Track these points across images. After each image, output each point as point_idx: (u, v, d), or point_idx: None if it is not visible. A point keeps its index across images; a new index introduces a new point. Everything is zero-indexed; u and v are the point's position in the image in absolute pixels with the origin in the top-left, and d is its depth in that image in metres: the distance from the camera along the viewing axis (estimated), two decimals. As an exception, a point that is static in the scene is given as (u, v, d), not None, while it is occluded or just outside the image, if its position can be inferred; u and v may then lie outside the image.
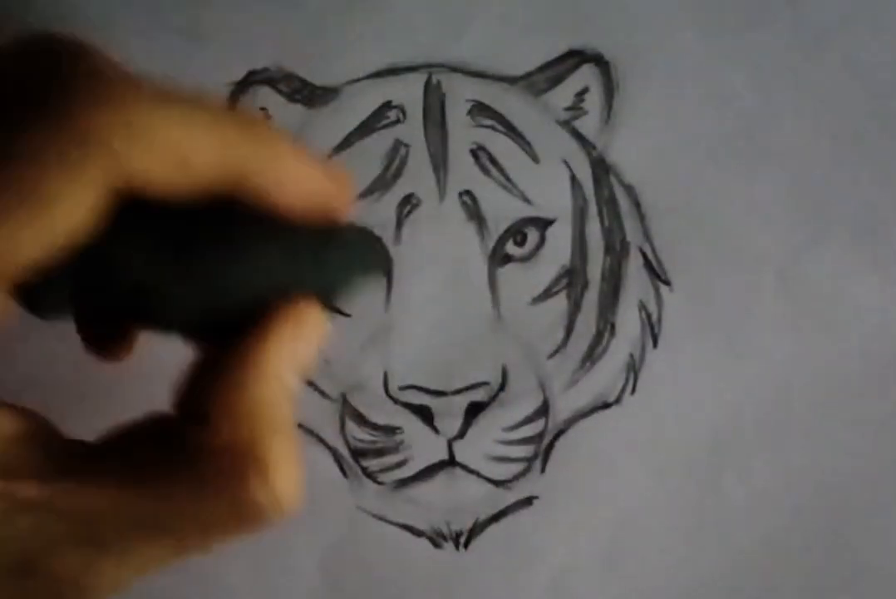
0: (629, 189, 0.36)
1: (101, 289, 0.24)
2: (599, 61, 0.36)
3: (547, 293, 0.35)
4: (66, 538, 0.23)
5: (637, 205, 0.35)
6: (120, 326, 0.29)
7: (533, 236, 0.35)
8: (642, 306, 0.35)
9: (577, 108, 0.36)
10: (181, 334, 0.26)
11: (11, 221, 0.21)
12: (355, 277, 0.26)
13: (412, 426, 0.34)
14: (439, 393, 0.34)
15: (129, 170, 0.22)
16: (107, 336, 0.29)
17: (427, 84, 0.35)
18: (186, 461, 0.24)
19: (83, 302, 0.24)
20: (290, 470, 0.24)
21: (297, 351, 0.25)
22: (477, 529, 0.35)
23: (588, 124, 0.36)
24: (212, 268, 0.24)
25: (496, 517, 0.35)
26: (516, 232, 0.35)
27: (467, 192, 0.35)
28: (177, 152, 0.23)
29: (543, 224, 0.35)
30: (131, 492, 0.23)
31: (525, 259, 0.35)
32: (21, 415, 0.24)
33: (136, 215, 0.23)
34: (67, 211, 0.22)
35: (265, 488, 0.24)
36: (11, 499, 0.22)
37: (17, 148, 0.22)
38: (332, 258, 0.26)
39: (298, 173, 0.25)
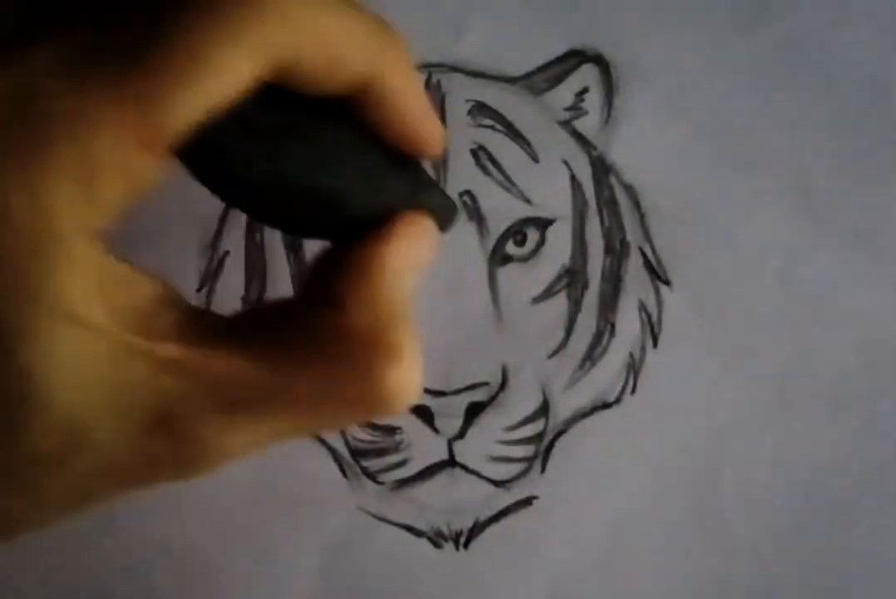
0: (629, 189, 0.35)
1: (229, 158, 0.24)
2: (599, 61, 0.36)
3: (547, 293, 0.35)
4: (201, 401, 0.24)
5: (637, 205, 0.35)
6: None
7: (533, 235, 0.35)
8: (642, 306, 0.35)
9: (577, 108, 0.36)
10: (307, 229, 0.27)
11: (177, 79, 0.22)
12: (449, 215, 0.28)
13: (412, 426, 0.34)
14: (439, 393, 0.34)
15: (285, 52, 0.23)
16: None
17: (427, 84, 0.35)
18: (318, 340, 0.25)
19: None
20: (417, 361, 0.25)
21: (418, 254, 0.27)
22: (477, 529, 0.35)
23: (588, 124, 0.36)
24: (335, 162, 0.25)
25: (496, 518, 0.35)
26: (516, 232, 0.35)
27: (467, 192, 0.35)
28: (334, 44, 0.24)
29: (543, 224, 0.35)
30: (265, 364, 0.24)
31: (525, 259, 0.35)
32: (157, 280, 0.25)
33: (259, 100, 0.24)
34: (228, 77, 0.23)
35: (397, 373, 0.24)
36: (153, 358, 0.23)
37: (191, 11, 0.23)
38: (435, 191, 0.28)
39: (421, 101, 0.26)
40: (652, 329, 0.35)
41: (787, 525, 0.35)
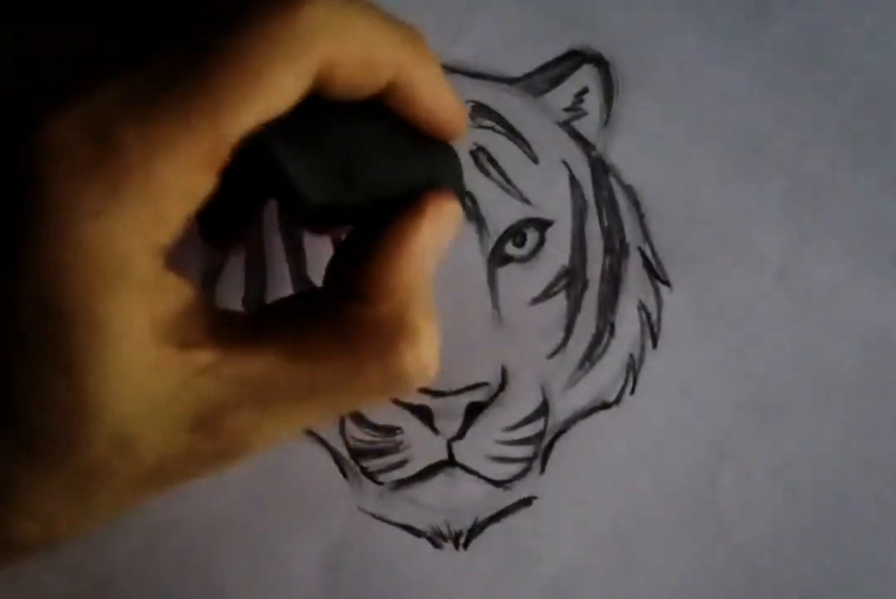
0: (628, 190, 0.36)
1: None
2: (599, 62, 0.36)
3: (546, 294, 0.35)
4: (236, 401, 0.25)
5: (636, 205, 0.36)
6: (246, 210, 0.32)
7: (532, 236, 0.35)
8: (642, 307, 0.35)
9: (576, 108, 0.36)
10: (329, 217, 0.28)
11: (236, 94, 0.24)
12: (461, 185, 0.30)
13: (412, 427, 0.34)
14: (439, 393, 0.34)
15: (328, 63, 0.25)
16: (230, 223, 0.32)
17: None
18: (342, 332, 0.26)
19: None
20: (435, 340, 0.27)
21: (439, 238, 0.28)
22: (476, 529, 0.35)
23: (587, 125, 0.36)
24: (375, 158, 0.27)
25: (496, 518, 0.35)
26: (516, 233, 0.35)
27: (467, 193, 0.35)
28: (366, 51, 0.26)
29: (543, 225, 0.35)
30: (290, 360, 0.26)
31: (524, 260, 0.35)
32: (191, 284, 0.26)
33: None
34: (281, 91, 0.25)
35: (414, 355, 0.26)
36: (189, 366, 0.25)
37: (243, 33, 0.24)
38: (455, 165, 0.30)
39: (445, 90, 0.28)
40: (651, 329, 0.35)
41: (787, 525, 0.35)
